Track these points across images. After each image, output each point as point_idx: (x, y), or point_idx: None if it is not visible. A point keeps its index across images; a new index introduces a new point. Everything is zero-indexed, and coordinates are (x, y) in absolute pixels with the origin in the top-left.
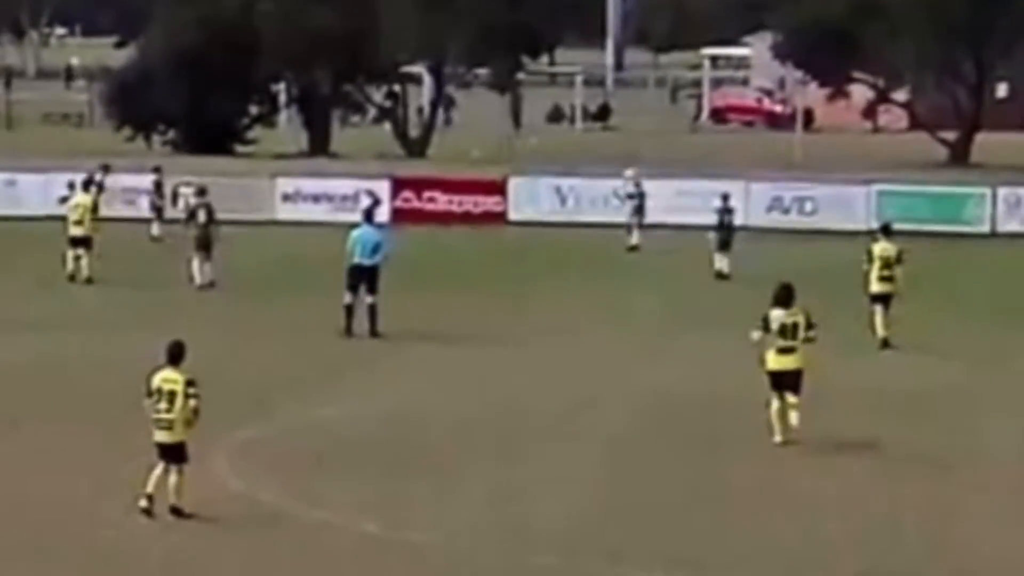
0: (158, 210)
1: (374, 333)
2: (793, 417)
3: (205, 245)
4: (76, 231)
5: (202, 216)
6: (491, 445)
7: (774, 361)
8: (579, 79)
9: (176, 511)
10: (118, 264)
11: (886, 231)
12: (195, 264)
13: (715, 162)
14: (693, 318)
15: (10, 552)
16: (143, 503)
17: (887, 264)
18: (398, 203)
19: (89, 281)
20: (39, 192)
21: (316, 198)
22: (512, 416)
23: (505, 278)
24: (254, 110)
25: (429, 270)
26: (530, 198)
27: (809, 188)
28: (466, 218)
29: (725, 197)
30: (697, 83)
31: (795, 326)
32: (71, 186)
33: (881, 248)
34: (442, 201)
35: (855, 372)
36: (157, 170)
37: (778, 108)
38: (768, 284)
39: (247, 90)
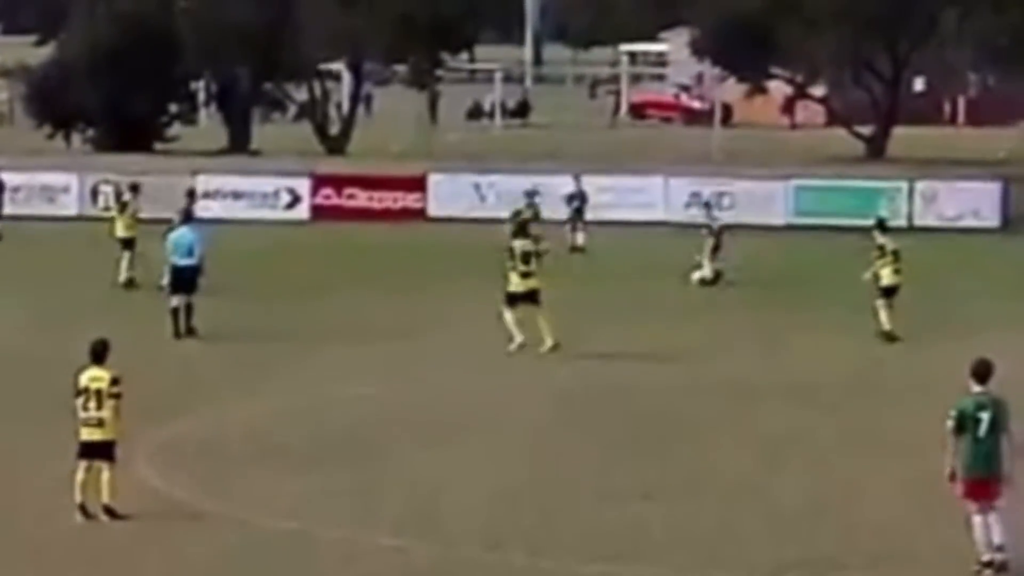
0: None
1: (190, 331)
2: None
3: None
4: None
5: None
6: (410, 440)
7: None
8: (498, 75)
9: (109, 511)
10: (38, 263)
11: (883, 226)
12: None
13: (634, 158)
14: (611, 311)
15: None
16: (78, 516)
17: (898, 257)
18: (319, 200)
19: (131, 283)
20: None
21: (236, 195)
22: (430, 410)
23: (424, 274)
24: (174, 107)
25: (348, 267)
26: (450, 195)
27: (727, 183)
28: (386, 215)
29: (707, 205)
30: (616, 79)
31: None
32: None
33: (886, 242)
34: (362, 198)
35: (775, 363)
36: None
37: (696, 104)
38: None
39: (167, 87)
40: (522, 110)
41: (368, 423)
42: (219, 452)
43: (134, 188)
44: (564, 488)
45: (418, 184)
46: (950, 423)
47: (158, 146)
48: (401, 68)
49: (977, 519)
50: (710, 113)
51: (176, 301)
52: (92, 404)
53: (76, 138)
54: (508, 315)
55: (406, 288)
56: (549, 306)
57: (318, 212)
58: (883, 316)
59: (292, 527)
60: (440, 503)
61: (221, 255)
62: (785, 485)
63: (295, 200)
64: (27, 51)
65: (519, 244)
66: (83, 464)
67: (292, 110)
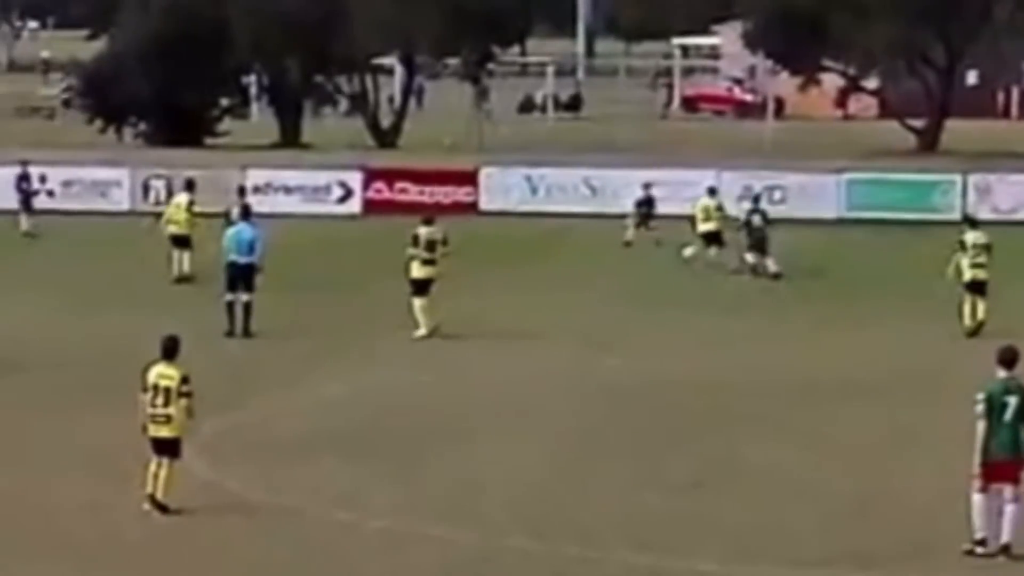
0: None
1: (247, 332)
2: None
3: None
4: (173, 229)
5: (235, 214)
6: (457, 430)
7: None
8: (550, 69)
9: (160, 506)
10: (88, 258)
11: (972, 222)
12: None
13: (686, 151)
14: (659, 304)
15: None
16: (146, 505)
17: (981, 252)
18: (370, 194)
19: (187, 279)
20: (8, 185)
21: (287, 189)
22: (477, 400)
23: (475, 268)
24: (225, 101)
25: (399, 261)
26: (501, 188)
27: (779, 177)
28: (438, 208)
29: (756, 198)
30: (668, 72)
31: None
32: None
33: (975, 237)
34: (414, 192)
35: (825, 357)
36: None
37: (748, 97)
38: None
39: (218, 81)
40: (574, 103)
41: (416, 414)
42: (269, 443)
43: (190, 185)
44: (609, 478)
45: (470, 178)
46: (979, 407)
47: (209, 140)
48: (453, 61)
49: (979, 498)
50: (763, 106)
51: (231, 297)
52: (160, 401)
53: (127, 133)
54: (416, 303)
55: (456, 281)
56: (605, 297)
57: (370, 206)
58: (966, 310)
59: (341, 516)
60: (485, 492)
61: (272, 249)
62: (833, 478)
63: (347, 194)
64: (79, 46)
65: (424, 232)
66: (155, 458)
67: (343, 104)
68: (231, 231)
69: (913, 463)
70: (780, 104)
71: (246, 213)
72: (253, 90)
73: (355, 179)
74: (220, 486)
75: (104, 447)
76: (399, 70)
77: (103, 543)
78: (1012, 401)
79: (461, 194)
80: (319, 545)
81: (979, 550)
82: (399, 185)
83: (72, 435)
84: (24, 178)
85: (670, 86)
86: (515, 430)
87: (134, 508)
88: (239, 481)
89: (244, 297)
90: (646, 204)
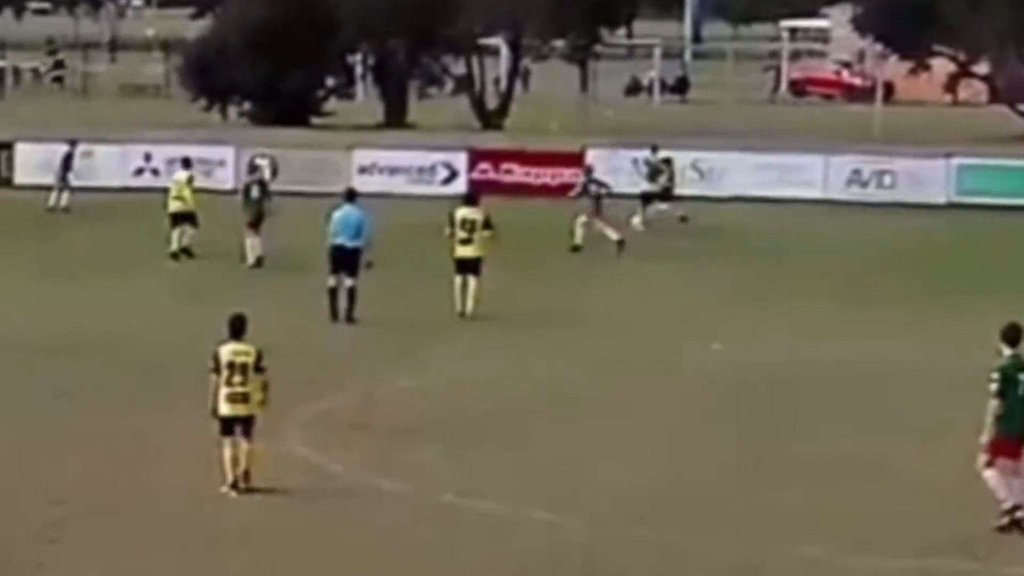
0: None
1: (350, 318)
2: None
3: (257, 222)
4: (178, 207)
5: (255, 192)
6: (560, 417)
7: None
8: (657, 51)
9: (249, 488)
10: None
11: None
12: (248, 242)
13: (793, 135)
14: (762, 291)
15: (78, 521)
16: (232, 493)
17: None
18: (475, 175)
19: (189, 254)
20: (116, 163)
21: (393, 170)
22: (579, 388)
23: (581, 254)
24: (330, 81)
25: (503, 243)
26: (608, 170)
27: (888, 162)
28: (543, 190)
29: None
30: (776, 55)
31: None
32: (185, 163)
33: None
34: (519, 173)
35: (928, 347)
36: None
37: (857, 81)
38: (848, 257)
39: (323, 61)
40: (681, 86)
41: (517, 400)
42: (371, 428)
43: (187, 163)
44: (715, 467)
45: (576, 160)
46: (994, 385)
47: (314, 120)
48: (559, 43)
49: (992, 473)
50: (871, 90)
51: (334, 281)
52: (237, 379)
53: (231, 112)
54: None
55: (556, 266)
56: (704, 285)
57: (475, 187)
58: None
59: (444, 500)
60: (591, 478)
61: (377, 230)
62: (932, 470)
63: (452, 175)
64: (183, 24)
65: (461, 212)
66: (228, 440)
67: (449, 85)
68: (337, 214)
69: None
70: (889, 88)
71: (351, 195)
72: (359, 70)
73: (460, 160)
74: (323, 469)
75: (200, 432)
76: (505, 51)
77: (202, 529)
78: (1022, 378)
79: (567, 176)
80: (424, 529)
81: (1019, 514)
82: (505, 166)
83: (168, 421)
84: (69, 157)
85: (778, 69)
86: (620, 417)
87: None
88: (342, 465)
89: (348, 282)
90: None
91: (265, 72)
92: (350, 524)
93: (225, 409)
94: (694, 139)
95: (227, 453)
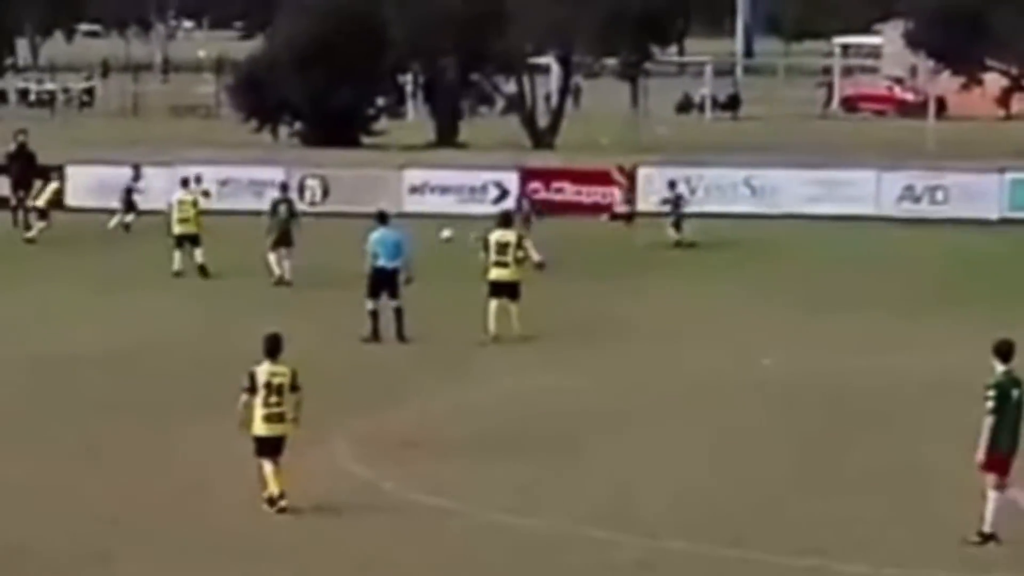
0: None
1: (401, 337)
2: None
3: (286, 240)
4: (183, 229)
5: (283, 211)
6: (610, 430)
7: None
8: (708, 68)
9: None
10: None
11: None
12: (272, 258)
13: (845, 151)
14: (814, 304)
15: (131, 539)
16: (280, 505)
17: None
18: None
19: (205, 272)
20: (166, 184)
21: (444, 189)
22: (629, 401)
23: (633, 269)
24: (381, 101)
25: (557, 262)
26: (659, 189)
27: (941, 177)
28: (595, 209)
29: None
30: (828, 72)
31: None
32: (184, 183)
33: None
34: (570, 191)
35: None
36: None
37: (910, 96)
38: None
39: (374, 80)
40: (732, 103)
41: (570, 416)
42: (422, 445)
43: (185, 182)
44: (765, 479)
45: (627, 178)
46: (991, 403)
47: (365, 140)
48: (611, 60)
49: (996, 495)
50: (924, 105)
51: (373, 305)
52: (274, 399)
53: (282, 132)
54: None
55: (608, 281)
56: (756, 298)
57: (531, 202)
58: None
59: (499, 518)
60: (644, 494)
61: (426, 250)
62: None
63: (503, 194)
64: (232, 45)
65: (495, 235)
66: (265, 460)
67: (500, 103)
68: (376, 235)
69: None
70: (941, 103)
71: (383, 218)
72: (409, 89)
73: (511, 179)
74: (374, 486)
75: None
76: (556, 69)
77: (254, 546)
78: (1016, 394)
79: (619, 195)
80: (478, 546)
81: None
82: (555, 185)
83: (227, 435)
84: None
85: (830, 85)
86: (673, 431)
87: (290, 508)
88: (393, 481)
89: (393, 303)
90: (674, 203)
91: (315, 91)
92: (400, 541)
93: (263, 429)
94: (746, 156)
95: (268, 469)
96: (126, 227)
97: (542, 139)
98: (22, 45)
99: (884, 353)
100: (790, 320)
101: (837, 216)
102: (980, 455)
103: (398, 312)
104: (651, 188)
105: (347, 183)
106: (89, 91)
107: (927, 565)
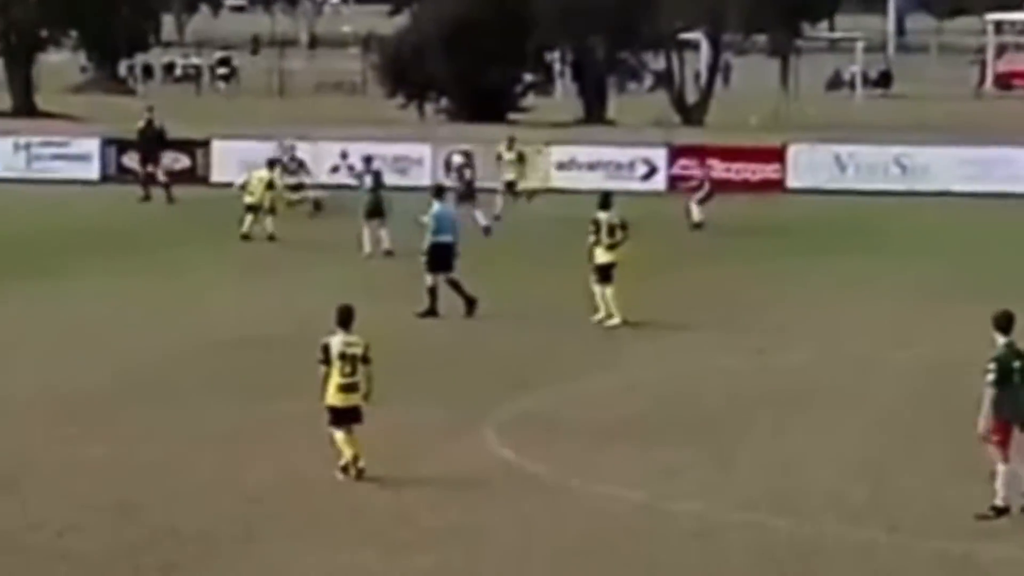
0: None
1: (470, 305)
2: None
3: (376, 212)
4: (249, 199)
5: (368, 182)
6: (759, 413)
7: None
8: (859, 45)
9: (355, 460)
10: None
11: None
12: (365, 233)
13: (999, 129)
14: (965, 288)
15: (277, 517)
16: (358, 467)
17: None
18: (676, 170)
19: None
20: (311, 161)
21: (591, 166)
22: (778, 384)
23: (781, 248)
24: (528, 78)
25: (704, 240)
26: (809, 166)
27: None
28: (744, 186)
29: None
30: (982, 49)
31: None
32: (343, 155)
33: None
34: (719, 169)
35: None
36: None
37: None
38: None
39: (521, 58)
40: (884, 80)
41: (714, 396)
42: (567, 428)
43: (271, 164)
44: (918, 464)
45: (777, 155)
46: (991, 376)
47: (512, 116)
48: (760, 38)
49: (1005, 468)
50: None
51: (432, 280)
52: (348, 369)
53: (428, 108)
54: (598, 290)
55: (760, 261)
56: (901, 283)
57: (675, 183)
58: None
59: (644, 500)
60: (792, 477)
61: (574, 226)
62: None
63: (651, 171)
64: (380, 21)
65: (604, 216)
66: (340, 428)
67: (648, 80)
68: (438, 210)
69: None
70: None
71: (440, 192)
72: (557, 66)
73: (660, 156)
74: (524, 470)
75: (398, 427)
76: (705, 46)
77: (406, 527)
78: (1018, 365)
79: (768, 171)
80: (628, 530)
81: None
82: (705, 162)
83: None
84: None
85: (983, 63)
86: (825, 416)
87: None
88: (544, 464)
89: (445, 276)
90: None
91: (462, 68)
92: (553, 525)
93: (338, 400)
94: (897, 134)
95: (340, 436)
96: (316, 203)
97: (691, 116)
98: (167, 21)
99: None
100: (948, 303)
101: (991, 194)
102: (981, 427)
103: (456, 285)
104: (802, 165)
105: (494, 160)
106: (225, 61)
107: None
